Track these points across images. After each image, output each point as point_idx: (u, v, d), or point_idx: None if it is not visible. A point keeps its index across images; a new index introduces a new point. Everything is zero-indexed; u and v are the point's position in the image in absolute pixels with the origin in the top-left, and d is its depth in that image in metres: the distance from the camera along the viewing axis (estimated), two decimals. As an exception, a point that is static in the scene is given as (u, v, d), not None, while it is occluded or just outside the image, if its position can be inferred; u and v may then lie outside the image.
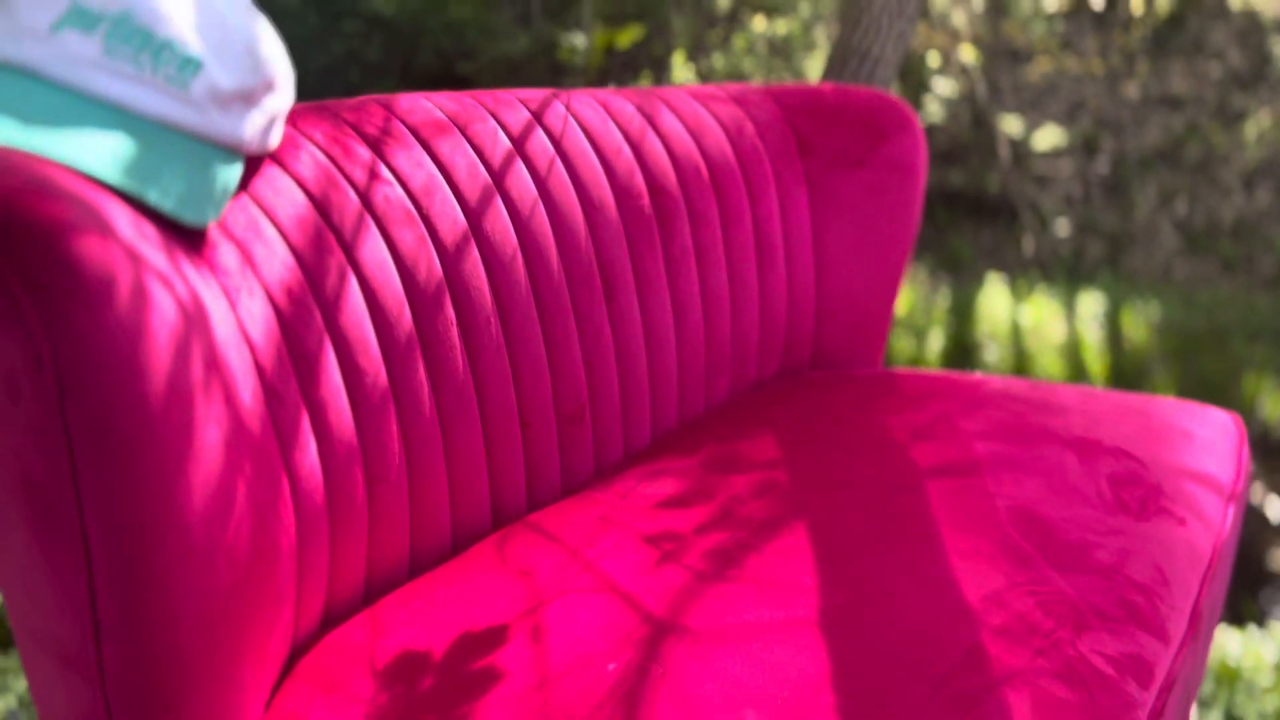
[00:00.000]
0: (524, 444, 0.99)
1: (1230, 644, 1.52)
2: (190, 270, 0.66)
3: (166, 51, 0.68)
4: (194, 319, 0.62)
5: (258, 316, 0.73)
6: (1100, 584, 0.79)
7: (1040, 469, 0.96)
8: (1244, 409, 6.86)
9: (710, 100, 1.30)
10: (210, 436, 0.61)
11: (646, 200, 1.15)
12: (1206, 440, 1.10)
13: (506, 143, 1.03)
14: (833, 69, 1.53)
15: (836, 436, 1.05)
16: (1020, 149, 7.69)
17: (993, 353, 6.99)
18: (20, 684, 1.28)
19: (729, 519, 0.88)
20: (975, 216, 7.66)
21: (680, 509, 0.91)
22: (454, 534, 0.93)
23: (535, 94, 1.13)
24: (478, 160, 0.99)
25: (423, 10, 7.27)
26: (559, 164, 1.07)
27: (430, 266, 0.90)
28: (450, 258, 0.93)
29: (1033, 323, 7.21)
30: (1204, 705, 1.35)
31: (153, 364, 0.56)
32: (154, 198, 0.64)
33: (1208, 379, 6.72)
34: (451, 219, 0.94)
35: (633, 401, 1.12)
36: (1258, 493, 5.17)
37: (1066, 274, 7.38)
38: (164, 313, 0.58)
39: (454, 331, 0.91)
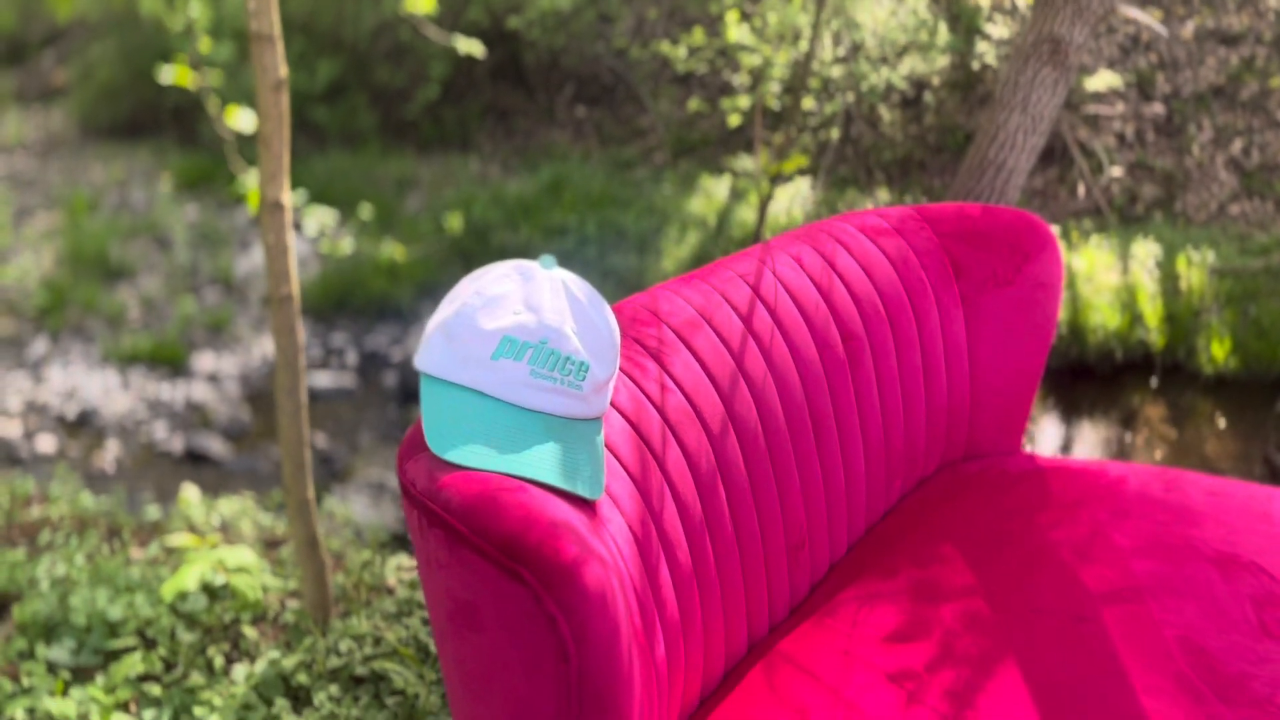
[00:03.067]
0: (766, 571, 1.25)
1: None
2: (603, 538, 0.91)
3: (569, 363, 0.92)
4: (623, 585, 0.87)
5: (624, 541, 0.98)
6: (1259, 715, 1.04)
7: (1193, 591, 1.21)
8: (1298, 354, 7.03)
9: (876, 234, 1.52)
10: (638, 659, 0.86)
11: (839, 346, 1.39)
12: (1320, 543, 1.34)
13: (739, 324, 1.26)
14: (970, 175, 1.74)
15: (1010, 556, 1.30)
16: (1073, 90, 7.72)
17: (1046, 301, 7.13)
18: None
19: (950, 656, 1.13)
20: (1026, 159, 7.74)
21: (906, 644, 1.16)
22: (727, 657, 1.19)
23: (748, 264, 1.35)
24: (723, 347, 1.23)
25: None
26: (777, 333, 1.30)
27: (707, 454, 1.15)
28: (717, 442, 1.17)
29: (1087, 270, 7.34)
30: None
31: (622, 636, 0.82)
32: (582, 490, 0.88)
33: (1263, 324, 6.88)
34: (714, 407, 1.18)
35: (837, 522, 1.37)
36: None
37: (1120, 217, 7.49)
38: (619, 597, 0.83)
39: (724, 503, 1.16)
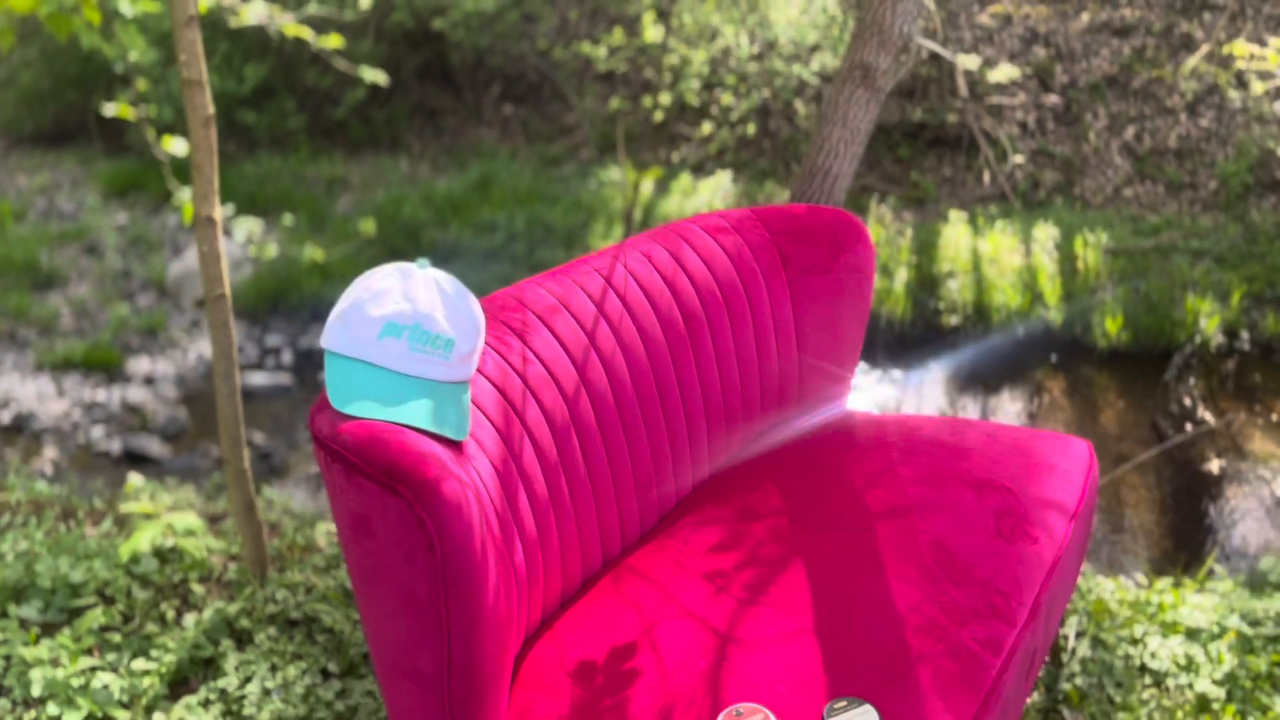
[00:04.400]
0: (617, 504, 1.58)
1: (1105, 588, 2.16)
2: (465, 467, 1.23)
3: (439, 340, 1.24)
4: (479, 499, 1.19)
5: (486, 472, 1.30)
6: (979, 593, 1.40)
7: (949, 508, 1.57)
8: (1186, 326, 7.60)
9: (718, 233, 1.87)
10: (492, 553, 1.19)
11: (681, 325, 1.72)
12: (1065, 471, 1.71)
13: (593, 308, 1.60)
14: (804, 181, 2.09)
15: (816, 486, 1.65)
16: (977, 82, 8.18)
17: (954, 284, 7.64)
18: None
19: (754, 560, 1.48)
20: (936, 149, 8.19)
21: (724, 553, 1.51)
22: (583, 570, 1.52)
23: (604, 260, 1.68)
24: (578, 326, 1.56)
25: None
26: (626, 315, 1.64)
27: (561, 411, 1.48)
28: (571, 402, 1.50)
29: (991, 254, 7.80)
30: (1080, 635, 2.00)
31: (470, 536, 1.14)
32: (449, 433, 1.20)
33: (1152, 299, 7.40)
34: (569, 375, 1.51)
35: (681, 466, 1.71)
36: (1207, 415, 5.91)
37: (1023, 202, 7.96)
38: (473, 506, 1.16)
39: (577, 450, 1.49)
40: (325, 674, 1.84)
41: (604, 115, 8.47)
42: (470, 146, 9.14)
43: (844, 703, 1.18)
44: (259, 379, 6.66)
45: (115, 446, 4.29)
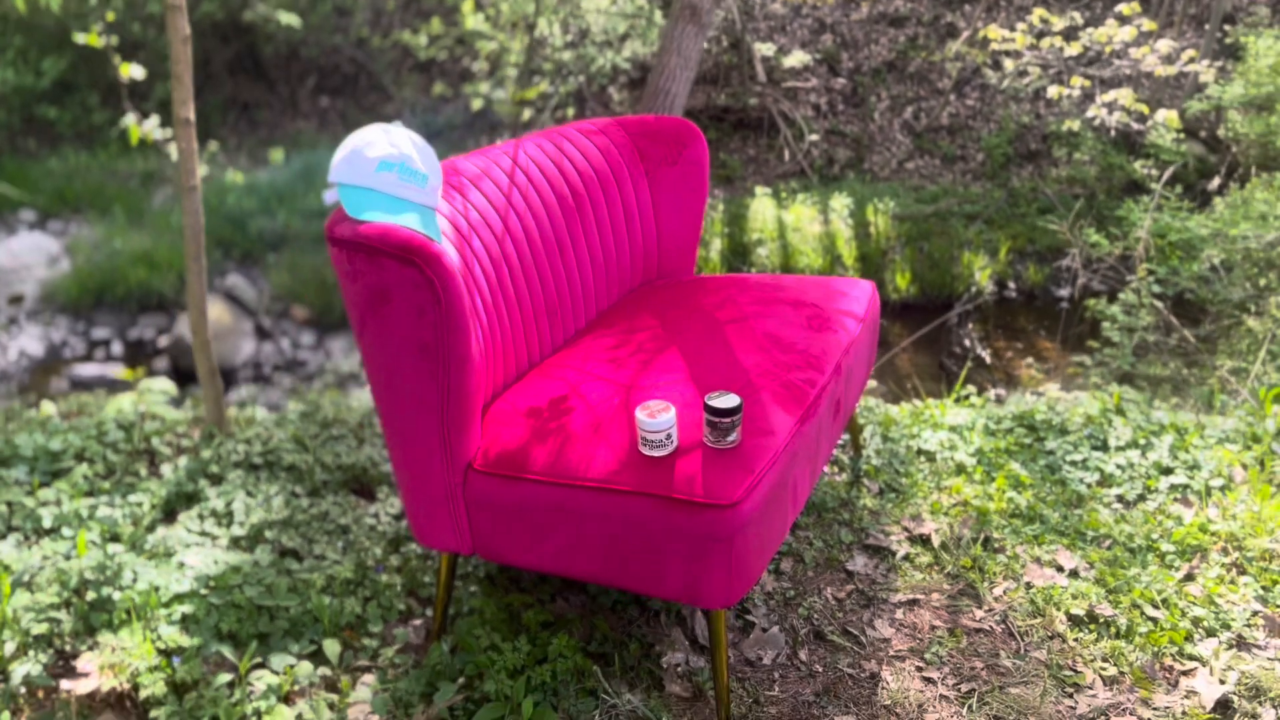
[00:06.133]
0: (535, 322, 2.17)
1: (892, 409, 2.90)
2: (451, 260, 1.79)
3: (418, 174, 1.80)
4: (463, 275, 1.76)
5: (456, 261, 1.86)
6: (799, 359, 2.07)
7: (775, 316, 2.23)
8: (963, 279, 8.76)
9: (590, 134, 2.48)
10: (470, 316, 1.75)
11: (570, 199, 2.33)
12: (855, 296, 2.41)
13: (505, 179, 2.18)
14: (646, 98, 2.72)
15: (679, 312, 2.29)
16: (774, 68, 9.12)
17: (763, 251, 8.54)
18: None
19: (641, 349, 2.10)
20: (741, 131, 9.08)
21: (618, 350, 2.12)
22: (516, 367, 2.10)
23: (508, 147, 2.27)
24: (497, 190, 2.14)
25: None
26: (531, 187, 2.23)
27: (494, 248, 2.05)
28: (500, 241, 2.07)
29: (794, 223, 8.72)
30: (873, 437, 2.71)
31: (461, 294, 1.71)
32: (434, 235, 1.76)
33: (935, 257, 8.50)
34: (496, 223, 2.08)
35: (577, 303, 2.31)
36: (967, 340, 6.94)
37: (820, 176, 8.95)
38: (459, 276, 1.72)
39: (506, 276, 2.07)
40: (294, 495, 2.33)
41: (425, 105, 8.93)
42: (288, 138, 9.39)
43: (717, 393, 1.80)
44: (89, 371, 6.87)
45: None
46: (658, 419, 1.72)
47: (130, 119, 2.50)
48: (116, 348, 7.43)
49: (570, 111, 8.38)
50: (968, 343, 7.77)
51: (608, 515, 1.73)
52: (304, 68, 9.68)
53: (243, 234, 8.02)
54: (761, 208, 8.56)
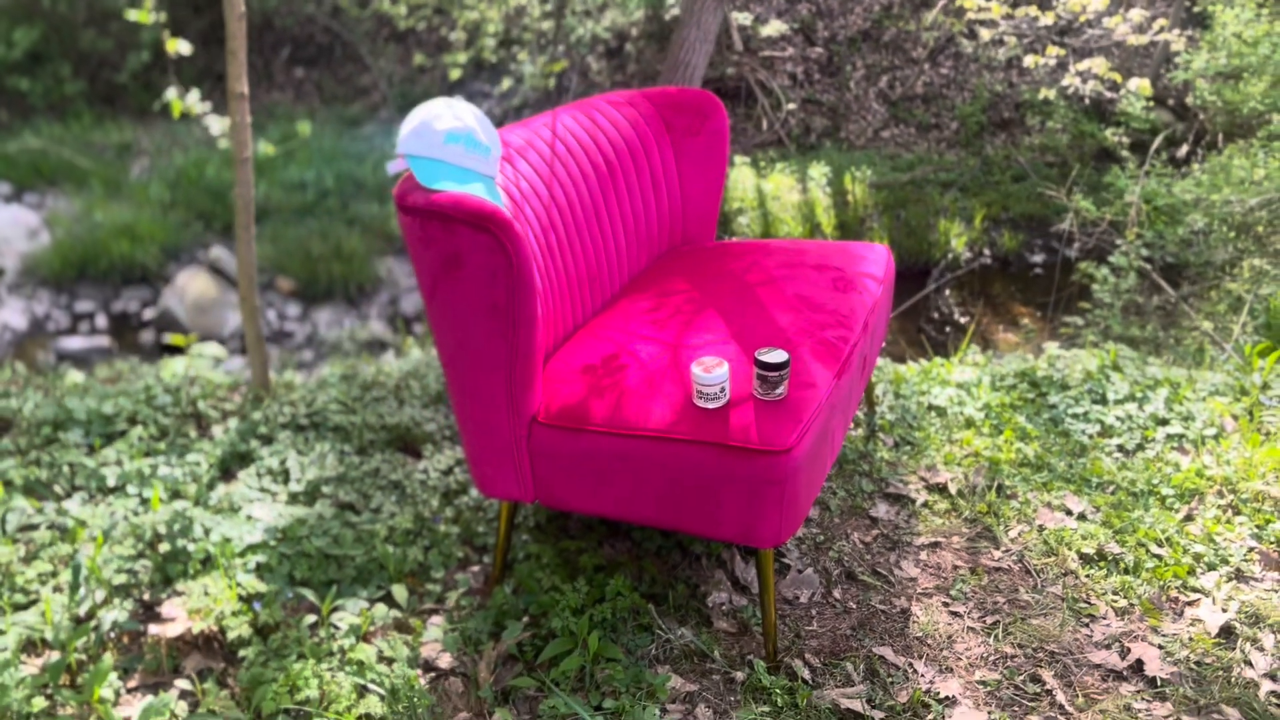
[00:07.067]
0: (578, 286, 2.30)
1: (901, 369, 3.06)
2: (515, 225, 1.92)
3: (482, 146, 1.92)
4: (530, 242, 1.89)
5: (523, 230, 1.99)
6: (830, 318, 2.22)
7: (802, 279, 2.38)
8: (940, 246, 8.94)
9: (620, 106, 2.60)
10: (538, 280, 1.88)
11: (604, 168, 2.45)
12: (873, 260, 2.56)
13: (546, 150, 2.30)
14: (671, 72, 2.85)
15: (709, 275, 2.43)
16: (751, 37, 9.23)
17: (744, 220, 8.68)
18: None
19: (679, 311, 2.24)
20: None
21: (656, 312, 2.26)
22: (573, 321, 2.23)
23: (546, 118, 2.39)
24: (541, 161, 2.26)
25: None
26: (570, 157, 2.35)
27: (542, 215, 2.18)
28: (547, 208, 2.20)
29: (774, 191, 8.86)
30: (885, 394, 2.88)
31: (529, 258, 1.84)
32: (501, 203, 1.89)
33: (911, 224, 8.68)
34: (543, 192, 2.21)
35: (613, 268, 2.44)
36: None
37: (797, 146, 9.09)
38: (527, 242, 1.85)
39: (554, 243, 2.20)
40: (343, 453, 2.45)
41: (403, 75, 8.96)
42: (264, 109, 9.38)
43: (766, 349, 1.95)
44: (75, 344, 6.92)
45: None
46: (713, 373, 1.86)
47: (171, 92, 2.59)
48: (101, 320, 7.46)
49: (551, 82, 8.44)
50: (945, 309, 7.98)
51: (667, 463, 1.88)
52: (278, 38, 9.65)
53: (223, 206, 8.04)
54: (741, 177, 8.68)
